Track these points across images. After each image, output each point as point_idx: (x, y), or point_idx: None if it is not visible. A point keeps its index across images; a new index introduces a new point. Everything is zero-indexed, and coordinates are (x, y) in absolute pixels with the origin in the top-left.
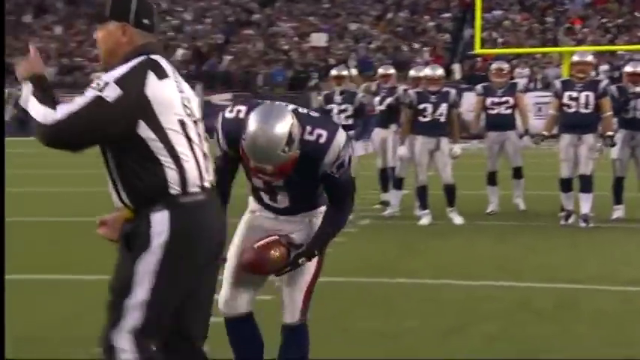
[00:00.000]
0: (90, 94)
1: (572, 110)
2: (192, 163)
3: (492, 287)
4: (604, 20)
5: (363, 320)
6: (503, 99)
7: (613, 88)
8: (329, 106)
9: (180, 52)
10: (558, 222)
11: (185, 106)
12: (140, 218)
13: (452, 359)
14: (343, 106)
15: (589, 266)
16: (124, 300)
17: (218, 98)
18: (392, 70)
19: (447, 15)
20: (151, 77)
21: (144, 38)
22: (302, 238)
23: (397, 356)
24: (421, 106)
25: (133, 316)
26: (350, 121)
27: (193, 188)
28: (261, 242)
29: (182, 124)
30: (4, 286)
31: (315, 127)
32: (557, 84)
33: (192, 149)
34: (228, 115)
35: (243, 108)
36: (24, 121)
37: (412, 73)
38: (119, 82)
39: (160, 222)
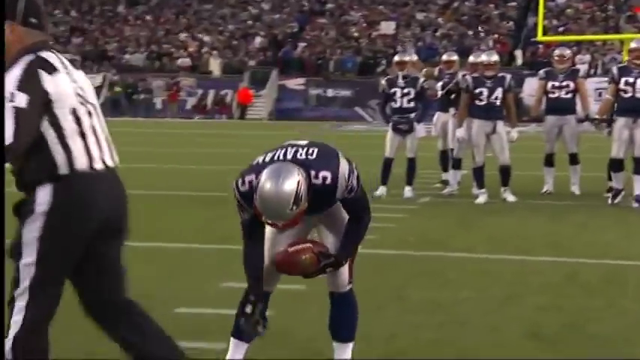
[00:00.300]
0: (8, 110)
1: (629, 95)
2: (81, 147)
3: (543, 262)
4: None
5: (419, 290)
6: (564, 83)
7: None
8: (392, 90)
9: (258, 40)
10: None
11: (78, 94)
12: (29, 194)
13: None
14: (406, 90)
15: (638, 244)
16: (19, 262)
17: (292, 83)
18: (455, 57)
19: (511, 4)
20: (43, 74)
21: (33, 37)
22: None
23: (451, 324)
24: (477, 91)
25: (27, 274)
26: (412, 104)
27: (81, 168)
28: (294, 247)
29: (74, 112)
30: (4, 286)
31: (318, 171)
32: (614, 70)
33: (82, 134)
34: (242, 188)
35: (252, 177)
36: (117, 102)
37: (470, 59)
38: (20, 87)
39: (44, 195)
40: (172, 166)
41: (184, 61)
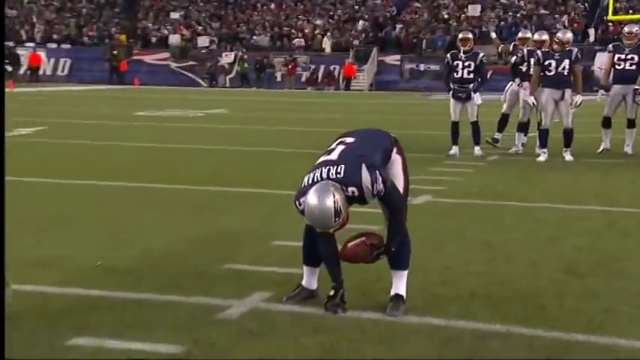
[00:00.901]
0: None
1: None
2: None
3: (589, 210)
4: None
5: (475, 232)
6: (629, 56)
7: None
8: (455, 62)
9: (361, 22)
10: None
11: None
12: None
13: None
14: (467, 63)
15: None
16: None
17: (390, 59)
18: (529, 34)
19: None
20: None
21: None
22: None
23: (498, 259)
24: (546, 62)
25: None
26: (471, 76)
27: None
28: (352, 242)
29: None
30: (4, 286)
31: (348, 186)
32: None
33: None
34: (299, 208)
35: (303, 198)
36: (245, 76)
37: (535, 36)
38: None
39: None
40: (285, 128)
41: (300, 41)
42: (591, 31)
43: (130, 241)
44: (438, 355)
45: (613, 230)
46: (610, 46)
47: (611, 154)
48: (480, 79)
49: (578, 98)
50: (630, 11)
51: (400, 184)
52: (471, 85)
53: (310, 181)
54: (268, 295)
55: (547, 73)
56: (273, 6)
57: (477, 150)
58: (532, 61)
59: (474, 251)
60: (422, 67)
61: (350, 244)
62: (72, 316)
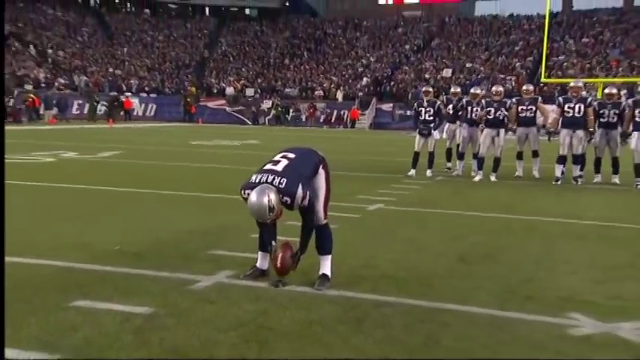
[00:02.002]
0: None
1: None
2: None
3: (494, 217)
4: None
5: (404, 232)
6: (529, 107)
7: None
8: (420, 108)
9: (364, 80)
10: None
11: None
12: None
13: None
14: (428, 109)
15: (559, 207)
16: None
17: (385, 106)
18: (458, 89)
19: (529, 59)
20: None
21: None
22: None
23: (412, 250)
24: (488, 109)
25: None
26: (432, 118)
27: None
28: (279, 260)
29: None
30: (4, 286)
31: (284, 195)
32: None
33: None
34: (243, 196)
35: (248, 191)
36: (279, 117)
37: (471, 90)
38: None
39: None
40: (330, 156)
41: (319, 93)
42: (530, 86)
43: (147, 231)
44: (342, 316)
45: (506, 231)
46: (560, 98)
47: (524, 177)
48: (438, 120)
49: (507, 136)
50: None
51: (322, 192)
52: (432, 125)
53: (257, 181)
54: (232, 274)
55: (488, 117)
56: (301, 67)
57: (429, 172)
58: (470, 109)
59: (397, 244)
60: (408, 112)
61: (278, 263)
62: (82, 285)
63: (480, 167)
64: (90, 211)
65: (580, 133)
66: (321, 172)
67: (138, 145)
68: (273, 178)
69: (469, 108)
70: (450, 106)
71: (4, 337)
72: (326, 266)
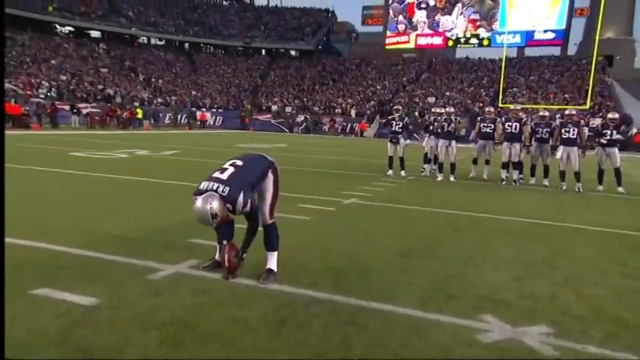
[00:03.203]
0: None
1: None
2: None
3: (445, 213)
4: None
5: (364, 224)
6: (489, 124)
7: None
8: (392, 122)
9: (372, 102)
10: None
11: None
12: None
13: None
14: (398, 122)
15: (504, 205)
16: None
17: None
18: (442, 110)
19: (491, 89)
20: None
21: None
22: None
23: (361, 243)
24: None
25: None
26: (400, 130)
27: None
28: (226, 260)
29: None
30: (4, 285)
31: (226, 202)
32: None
33: None
34: (193, 202)
35: (195, 197)
36: (309, 128)
37: (437, 110)
38: None
39: None
40: (322, 157)
41: (338, 110)
42: (491, 108)
43: (152, 219)
44: (270, 315)
45: (451, 226)
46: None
47: (478, 178)
48: (406, 132)
49: (454, 144)
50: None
51: (269, 195)
52: (400, 136)
53: (204, 188)
54: (195, 263)
55: (442, 130)
56: (326, 92)
57: (403, 172)
58: (437, 124)
59: (355, 237)
60: (410, 127)
61: (225, 263)
62: (56, 270)
63: (440, 170)
64: (119, 200)
65: (517, 145)
66: (270, 176)
67: (195, 147)
68: (218, 186)
69: (435, 123)
70: (427, 122)
71: (4, 337)
72: (272, 262)
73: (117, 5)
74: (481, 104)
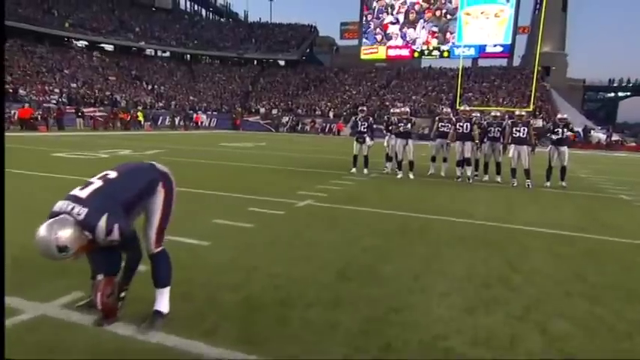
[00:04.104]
0: None
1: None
2: None
3: (398, 215)
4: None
5: (310, 233)
6: (447, 124)
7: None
8: (357, 121)
9: (347, 105)
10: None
11: None
12: None
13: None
14: (363, 122)
15: (466, 207)
16: None
17: None
18: (404, 109)
19: (449, 95)
20: None
21: None
22: None
23: (302, 260)
24: (400, 124)
25: None
26: (365, 130)
27: None
28: (99, 302)
29: None
30: (4, 285)
31: (84, 229)
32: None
33: None
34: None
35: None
36: (294, 127)
37: (396, 110)
38: None
39: None
40: (295, 155)
41: (318, 112)
42: (465, 105)
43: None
44: None
45: (402, 232)
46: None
47: (435, 176)
48: (371, 131)
49: (411, 145)
50: (465, 105)
51: (156, 217)
52: (365, 135)
53: (58, 210)
54: (79, 296)
55: (401, 130)
56: (309, 96)
57: (365, 170)
58: (394, 126)
59: (292, 250)
60: (374, 126)
61: (98, 304)
62: None
63: (399, 168)
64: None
65: (468, 143)
66: (160, 191)
67: (181, 146)
68: (73, 207)
69: (393, 123)
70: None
71: (4, 337)
72: (161, 301)
73: (125, 22)
74: (442, 106)
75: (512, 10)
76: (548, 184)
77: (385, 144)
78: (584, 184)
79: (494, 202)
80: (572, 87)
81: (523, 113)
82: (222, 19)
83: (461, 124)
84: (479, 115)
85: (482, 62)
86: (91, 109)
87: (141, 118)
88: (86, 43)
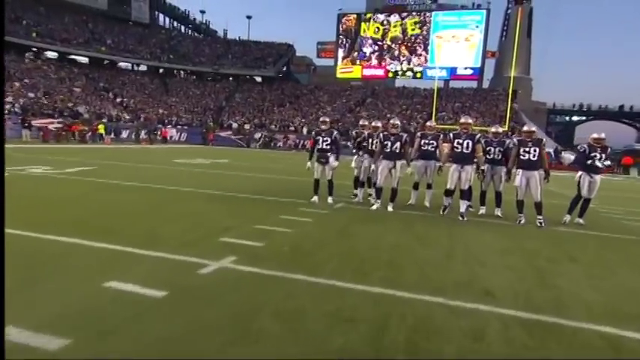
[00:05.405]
0: None
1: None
2: None
3: (340, 290)
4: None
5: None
6: (431, 141)
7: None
8: (317, 137)
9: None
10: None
11: None
12: None
13: None
14: (325, 138)
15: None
16: None
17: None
18: (366, 122)
19: (437, 115)
20: None
21: None
22: None
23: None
24: (385, 142)
25: None
26: (328, 147)
27: None
28: None
29: None
30: (4, 285)
31: None
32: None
33: None
34: None
35: None
36: (267, 144)
37: (372, 124)
38: None
39: None
40: (254, 175)
41: (291, 128)
42: (432, 121)
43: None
44: None
45: (376, 347)
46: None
47: (418, 207)
48: (336, 149)
49: (402, 168)
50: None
51: None
52: (329, 154)
53: None
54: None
55: (385, 150)
56: (283, 112)
57: (330, 199)
58: (371, 140)
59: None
60: (348, 143)
61: None
62: None
63: (377, 197)
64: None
65: (469, 168)
66: None
67: (122, 162)
68: None
69: (370, 140)
70: (359, 139)
71: (4, 337)
72: None
73: (98, 34)
74: (416, 124)
75: (481, 35)
76: (567, 218)
77: (354, 164)
78: (601, 220)
79: (511, 257)
80: (537, 109)
81: (533, 129)
82: (199, 35)
83: (460, 141)
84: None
85: (453, 84)
86: (47, 120)
87: (102, 131)
88: (56, 54)
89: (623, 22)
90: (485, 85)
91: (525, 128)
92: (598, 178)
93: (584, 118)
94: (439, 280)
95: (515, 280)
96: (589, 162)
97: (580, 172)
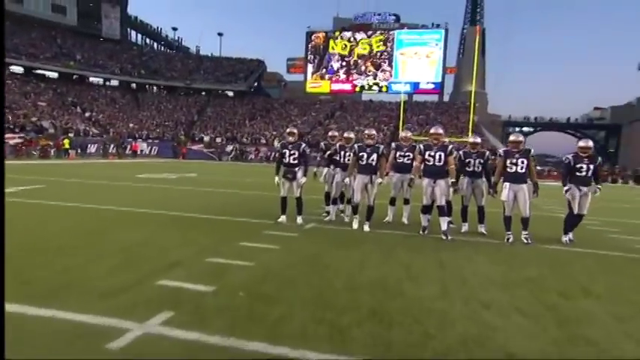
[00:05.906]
0: None
1: (430, 163)
2: None
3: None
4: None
5: None
6: (407, 153)
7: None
8: (284, 150)
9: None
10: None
11: None
12: None
13: None
14: (292, 151)
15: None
16: None
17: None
18: (336, 133)
19: (408, 121)
20: None
21: None
22: None
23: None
24: (360, 154)
25: None
26: (296, 161)
27: None
28: None
29: None
30: (4, 286)
31: None
32: (421, 146)
33: None
34: None
35: None
36: (239, 156)
37: (345, 134)
38: None
39: None
40: (220, 191)
41: (263, 141)
42: (407, 131)
43: None
44: None
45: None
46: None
47: (395, 225)
48: (304, 163)
49: (379, 180)
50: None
51: None
52: (297, 169)
53: None
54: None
55: (360, 162)
56: (254, 126)
57: (299, 219)
58: (343, 153)
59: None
60: (318, 157)
61: None
62: None
63: (354, 213)
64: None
65: (442, 182)
66: None
67: (75, 179)
68: None
69: (342, 152)
70: (329, 152)
71: (4, 337)
72: None
73: (67, 49)
74: (383, 136)
75: (441, 52)
76: (565, 238)
77: (322, 179)
78: (587, 234)
79: (517, 293)
80: (493, 122)
81: (520, 139)
82: (171, 51)
83: (432, 153)
84: (453, 143)
85: (416, 97)
86: (7, 135)
87: (67, 146)
88: (21, 68)
89: (566, 50)
90: (446, 98)
91: (512, 138)
92: (588, 190)
93: (537, 129)
94: (441, 337)
95: (536, 333)
96: (577, 174)
97: (568, 186)
